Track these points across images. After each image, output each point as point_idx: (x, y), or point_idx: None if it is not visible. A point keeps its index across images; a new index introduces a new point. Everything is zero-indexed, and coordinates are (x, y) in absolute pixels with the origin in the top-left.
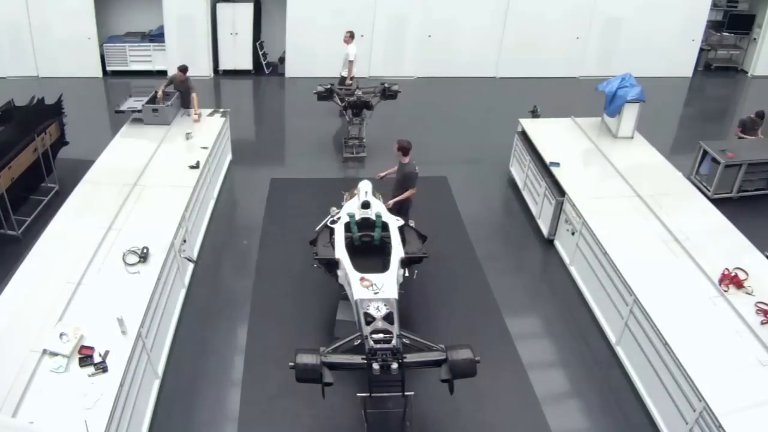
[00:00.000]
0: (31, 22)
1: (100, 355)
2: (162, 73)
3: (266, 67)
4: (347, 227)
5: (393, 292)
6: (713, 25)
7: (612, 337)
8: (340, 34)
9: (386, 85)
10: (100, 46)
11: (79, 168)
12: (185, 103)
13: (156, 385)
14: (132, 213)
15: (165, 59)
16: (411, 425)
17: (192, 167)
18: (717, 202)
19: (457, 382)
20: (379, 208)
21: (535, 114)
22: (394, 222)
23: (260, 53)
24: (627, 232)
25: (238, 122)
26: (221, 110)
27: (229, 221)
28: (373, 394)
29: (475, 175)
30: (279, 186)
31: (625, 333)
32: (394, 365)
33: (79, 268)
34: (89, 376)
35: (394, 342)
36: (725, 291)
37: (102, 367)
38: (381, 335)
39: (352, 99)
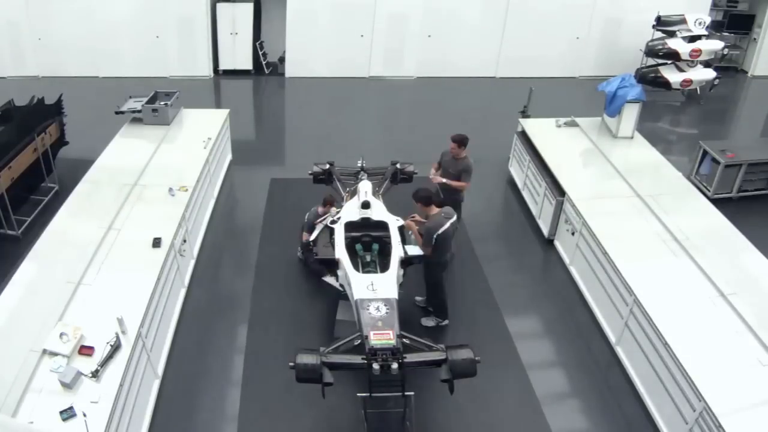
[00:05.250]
0: (31, 22)
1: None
2: None
3: (266, 67)
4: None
5: (393, 292)
6: (713, 25)
7: (612, 337)
8: (340, 34)
9: (398, 165)
10: None
11: (79, 168)
12: None
13: (156, 385)
14: (132, 213)
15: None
16: (411, 425)
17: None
18: (717, 202)
19: (457, 382)
20: (378, 209)
21: (525, 114)
22: (393, 222)
23: (260, 53)
24: (627, 232)
25: (238, 122)
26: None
27: (229, 221)
28: (373, 394)
29: (475, 174)
30: (279, 186)
31: (625, 333)
32: (394, 365)
33: (79, 268)
34: (89, 376)
35: (394, 342)
36: None
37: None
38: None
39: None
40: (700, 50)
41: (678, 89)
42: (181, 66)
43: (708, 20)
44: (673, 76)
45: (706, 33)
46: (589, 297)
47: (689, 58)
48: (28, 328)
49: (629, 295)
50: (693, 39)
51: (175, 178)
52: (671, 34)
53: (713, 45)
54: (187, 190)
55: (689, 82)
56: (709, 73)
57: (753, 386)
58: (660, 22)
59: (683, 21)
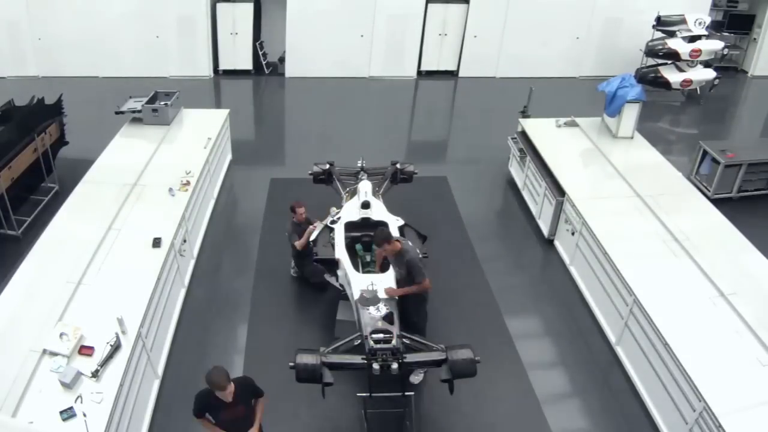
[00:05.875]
0: (31, 22)
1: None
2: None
3: (266, 67)
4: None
5: None
6: (713, 25)
7: (612, 337)
8: (340, 34)
9: (398, 165)
10: None
11: (79, 168)
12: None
13: (156, 385)
14: (132, 213)
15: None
16: (411, 425)
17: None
18: (717, 202)
19: (457, 382)
20: (378, 209)
21: (525, 114)
22: (393, 222)
23: (260, 53)
24: (627, 232)
25: (238, 122)
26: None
27: (229, 221)
28: (373, 394)
29: (475, 175)
30: (279, 186)
31: (625, 333)
32: (394, 365)
33: (79, 268)
34: (89, 376)
35: (394, 342)
36: None
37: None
38: (381, 335)
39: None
40: (700, 50)
41: (678, 89)
42: (181, 66)
43: (708, 20)
44: (673, 76)
45: (706, 33)
46: (589, 297)
47: (689, 58)
48: (28, 328)
49: (629, 296)
50: (693, 39)
51: (175, 178)
52: (671, 34)
53: (713, 45)
54: (187, 190)
55: (689, 82)
56: (709, 73)
57: (753, 386)
58: (660, 22)
59: (683, 21)
